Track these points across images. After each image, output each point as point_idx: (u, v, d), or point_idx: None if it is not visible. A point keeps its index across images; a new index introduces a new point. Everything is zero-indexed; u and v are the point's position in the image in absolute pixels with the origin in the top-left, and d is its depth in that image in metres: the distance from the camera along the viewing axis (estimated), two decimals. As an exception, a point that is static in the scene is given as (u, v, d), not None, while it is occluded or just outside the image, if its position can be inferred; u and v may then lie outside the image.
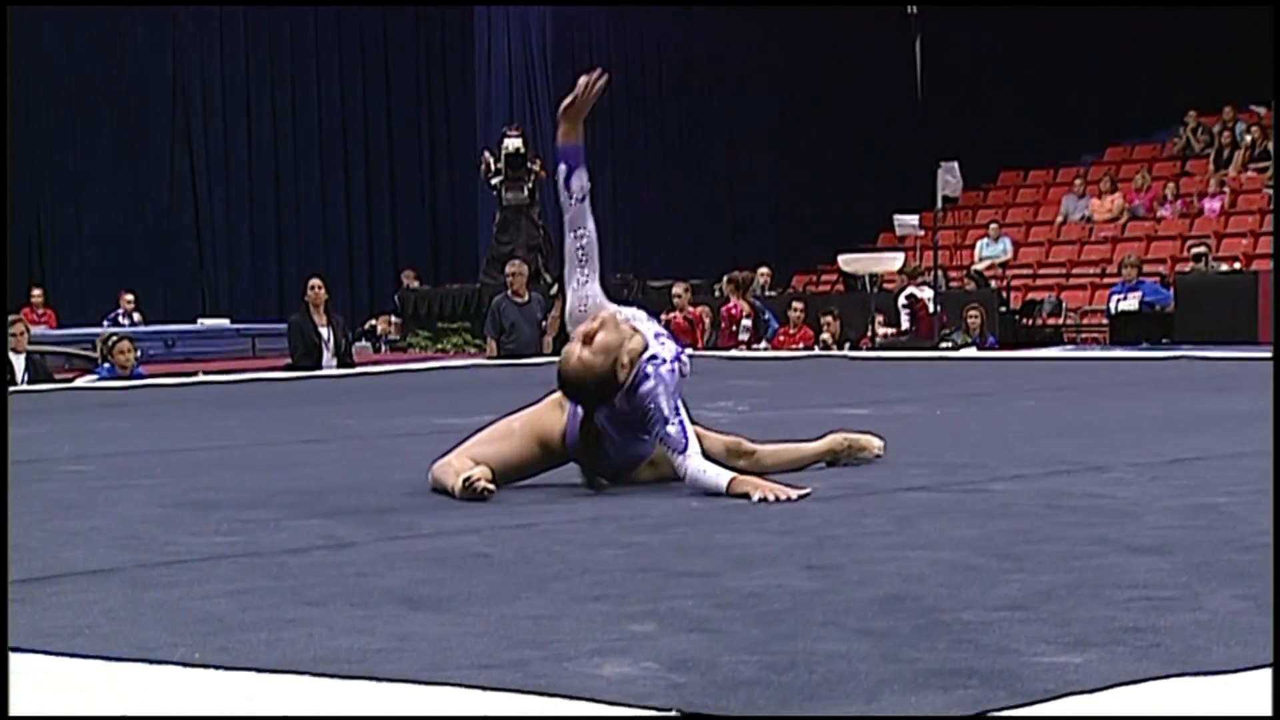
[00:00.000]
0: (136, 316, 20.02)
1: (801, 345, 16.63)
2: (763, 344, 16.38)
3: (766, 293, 18.72)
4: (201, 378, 12.38)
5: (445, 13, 23.69)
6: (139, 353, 13.18)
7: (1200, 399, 7.98)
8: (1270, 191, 18.69)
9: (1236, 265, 18.38)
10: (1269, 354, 11.98)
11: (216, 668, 2.44)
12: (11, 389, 10.91)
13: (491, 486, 4.41)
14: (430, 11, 23.98)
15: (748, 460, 4.73)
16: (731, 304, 16.83)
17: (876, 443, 5.05)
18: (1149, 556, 3.29)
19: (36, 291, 20.39)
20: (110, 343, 12.50)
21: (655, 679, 2.32)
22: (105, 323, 19.10)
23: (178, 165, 22.87)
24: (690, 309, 16.90)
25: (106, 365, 12.30)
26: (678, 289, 17.27)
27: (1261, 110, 22.42)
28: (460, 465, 4.54)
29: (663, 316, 16.26)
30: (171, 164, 22.84)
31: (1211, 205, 20.59)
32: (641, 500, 4.37)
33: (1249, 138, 21.41)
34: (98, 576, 3.35)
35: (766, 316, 16.84)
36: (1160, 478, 4.67)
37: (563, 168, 4.81)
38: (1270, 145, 21.03)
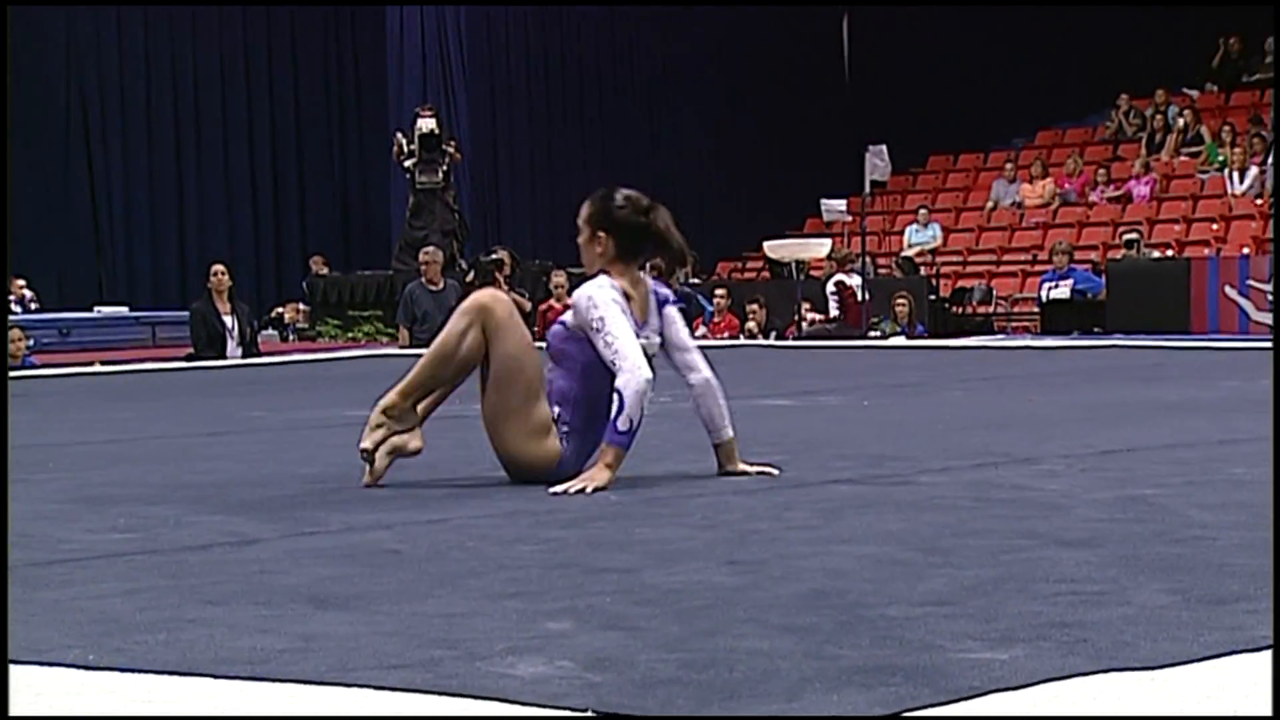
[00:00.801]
0: (33, 305, 19.74)
1: (726, 334, 16.69)
2: (700, 330, 16.35)
3: (690, 280, 18.75)
4: (98, 368, 12.25)
5: (356, 8, 23.54)
6: (31, 342, 13.03)
7: (1131, 389, 8.08)
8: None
9: (1169, 252, 18.61)
10: (1200, 343, 12.14)
11: (113, 669, 2.42)
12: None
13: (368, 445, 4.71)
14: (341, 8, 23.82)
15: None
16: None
17: (415, 444, 4.82)
18: (1078, 550, 3.33)
19: None
20: None
21: (571, 678, 2.32)
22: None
23: (73, 143, 22.56)
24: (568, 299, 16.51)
25: (-3, 355, 12.14)
26: (557, 277, 16.48)
27: (1194, 94, 22.69)
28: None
29: (541, 306, 16.19)
30: (67, 142, 22.53)
31: (1143, 190, 20.83)
32: (558, 496, 4.37)
33: (1181, 121, 21.67)
34: (-12, 576, 3.31)
35: (699, 300, 16.83)
36: (1090, 470, 4.73)
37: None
38: (1203, 129, 21.29)
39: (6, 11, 13.16)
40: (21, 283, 19.97)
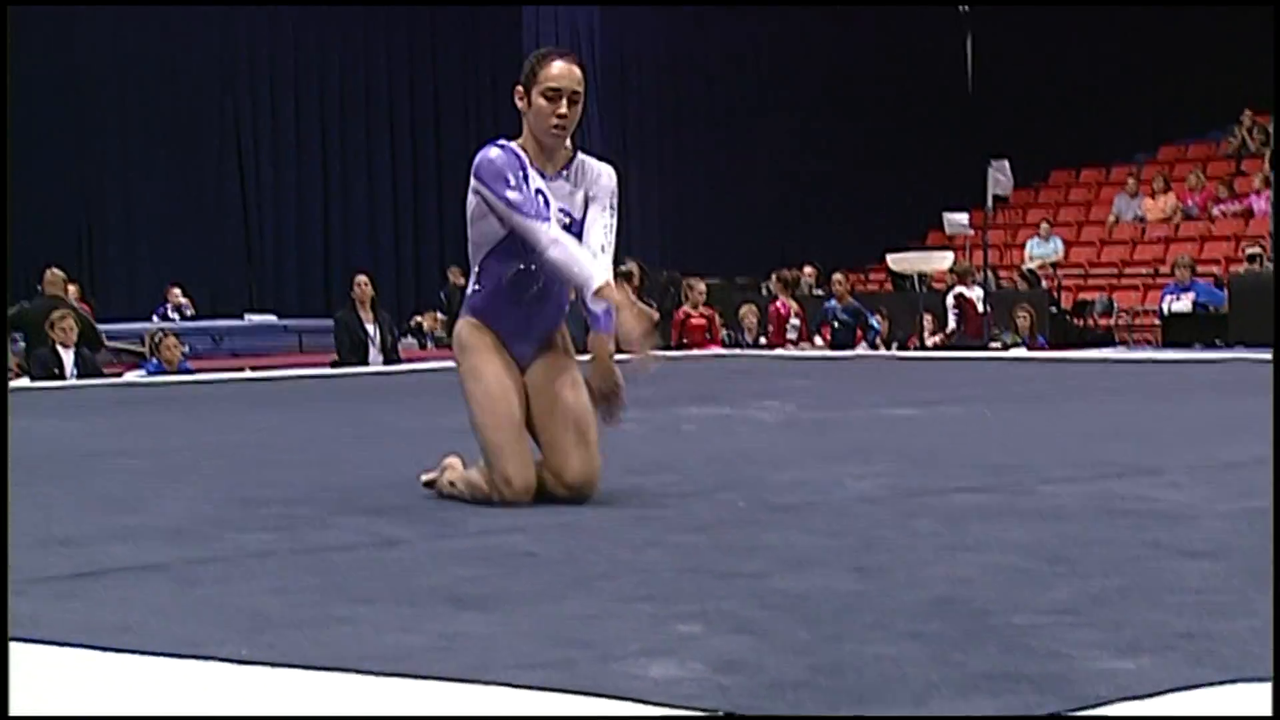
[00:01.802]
0: (189, 310, 20.10)
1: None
2: (861, 347, 16.08)
3: (814, 291, 18.67)
4: (248, 374, 12.45)
5: (495, 9, 23.74)
6: (186, 348, 13.27)
7: (1254, 401, 7.90)
8: None
9: (1291, 266, 18.21)
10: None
11: (264, 665, 2.45)
12: (60, 383, 11.00)
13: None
14: (479, 9, 24.04)
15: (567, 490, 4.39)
16: (779, 302, 16.79)
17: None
18: (1203, 561, 3.26)
19: (72, 288, 20.44)
20: (158, 339, 12.59)
21: (702, 680, 2.32)
22: (154, 317, 19.21)
23: (226, 160, 22.98)
24: (703, 308, 16.35)
25: (154, 361, 12.39)
26: (697, 285, 16.41)
27: (1317, 109, 22.21)
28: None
29: (677, 312, 16.16)
30: (220, 159, 22.95)
31: (1265, 205, 20.41)
32: (688, 500, 4.37)
33: (1305, 136, 21.21)
34: (146, 572, 3.37)
35: (866, 316, 16.60)
36: (1214, 482, 4.63)
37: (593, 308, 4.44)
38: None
39: (6, 11, 13.40)
40: (178, 291, 20.37)
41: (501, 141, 4.49)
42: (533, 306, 4.46)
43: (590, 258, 4.31)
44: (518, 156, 4.43)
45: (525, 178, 4.39)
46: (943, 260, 17.54)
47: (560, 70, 4.39)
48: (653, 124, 23.71)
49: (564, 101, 4.37)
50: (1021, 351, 15.34)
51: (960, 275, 17.27)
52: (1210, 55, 23.46)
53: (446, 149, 24.35)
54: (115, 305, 20.55)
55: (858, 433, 5.19)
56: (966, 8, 18.46)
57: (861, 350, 15.80)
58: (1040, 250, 20.91)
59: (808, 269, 19.68)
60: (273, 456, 5.97)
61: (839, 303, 16.65)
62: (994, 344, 15.96)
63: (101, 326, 13.87)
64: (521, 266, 4.41)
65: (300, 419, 8.12)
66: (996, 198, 17.70)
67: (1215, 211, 20.90)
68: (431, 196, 24.34)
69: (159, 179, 22.41)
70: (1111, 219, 21.84)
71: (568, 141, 4.49)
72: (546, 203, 4.38)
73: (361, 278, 14.26)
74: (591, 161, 4.53)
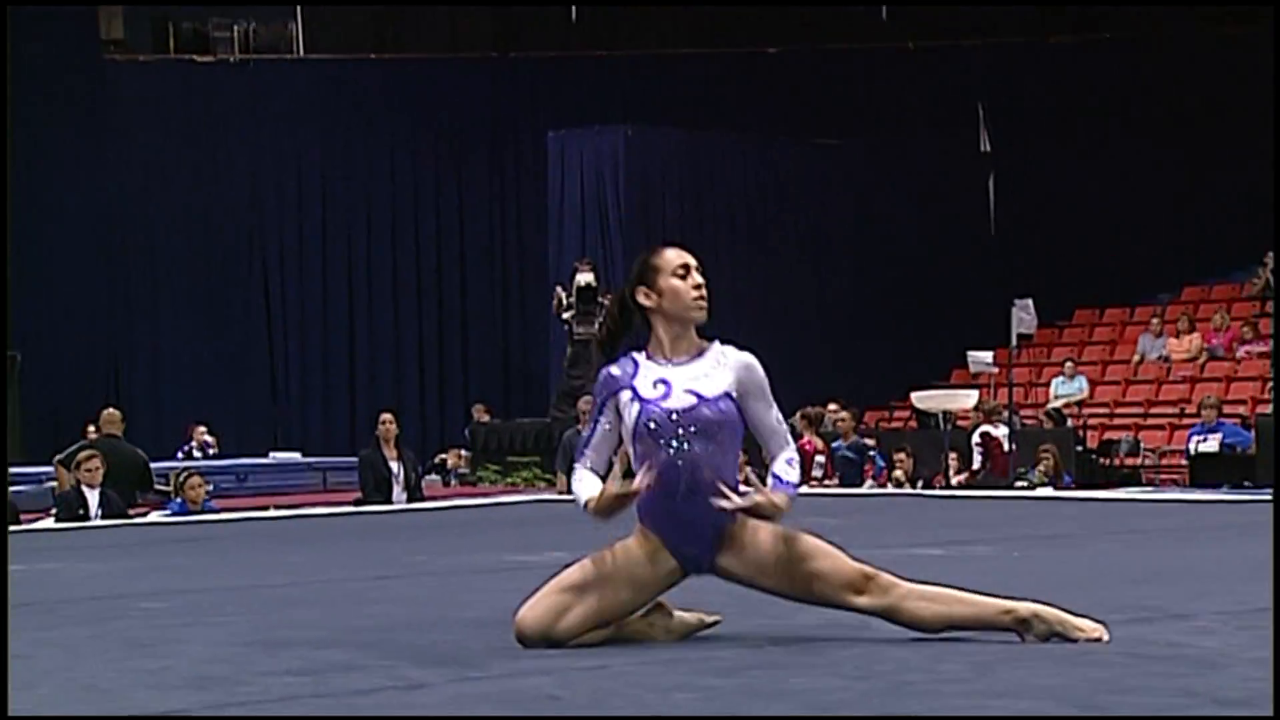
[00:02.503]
0: (212, 449, 20.15)
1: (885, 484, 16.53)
2: (869, 483, 16.18)
3: (833, 428, 18.63)
4: (272, 513, 12.45)
5: (519, 141, 24.02)
6: (211, 487, 13.28)
7: (1284, 544, 7.85)
8: None
9: (1319, 406, 18.16)
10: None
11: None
12: (85, 524, 11.01)
13: None
14: (504, 139, 24.33)
15: (881, 595, 4.30)
16: (804, 440, 16.77)
17: (1090, 626, 4.25)
18: (1237, 709, 3.23)
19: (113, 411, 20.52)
20: (182, 478, 12.61)
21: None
22: (179, 455, 19.27)
23: (253, 299, 23.21)
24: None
25: (178, 500, 12.40)
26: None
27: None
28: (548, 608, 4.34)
29: None
30: (247, 298, 23.18)
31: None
32: (714, 641, 4.34)
33: (1328, 277, 21.26)
34: None
35: (872, 454, 16.69)
36: (1247, 627, 4.58)
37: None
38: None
39: (6, 11, 13.54)
40: (203, 429, 20.44)
41: (632, 354, 4.50)
42: (689, 502, 4.34)
43: (580, 481, 4.42)
44: (626, 370, 4.43)
45: (633, 378, 4.40)
46: (967, 399, 17.54)
47: (677, 252, 4.47)
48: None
49: (695, 274, 4.42)
50: (1048, 491, 15.27)
51: (986, 414, 17.25)
52: (1234, 196, 23.62)
53: (472, 284, 24.57)
54: (139, 443, 20.60)
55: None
56: (989, 146, 18.68)
57: (870, 487, 15.77)
58: (1065, 389, 20.90)
59: (831, 406, 19.67)
60: (297, 597, 5.95)
61: (844, 440, 16.69)
62: (1020, 483, 15.90)
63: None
64: (665, 455, 4.32)
65: (324, 558, 8.10)
66: (1021, 336, 17.74)
67: (1240, 352, 20.89)
68: (456, 333, 24.50)
69: (186, 318, 22.64)
70: (1136, 358, 21.84)
71: (693, 333, 4.48)
72: (669, 387, 4.36)
73: (386, 415, 14.29)
74: (730, 351, 4.49)
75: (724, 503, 4.31)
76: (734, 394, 4.39)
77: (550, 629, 4.24)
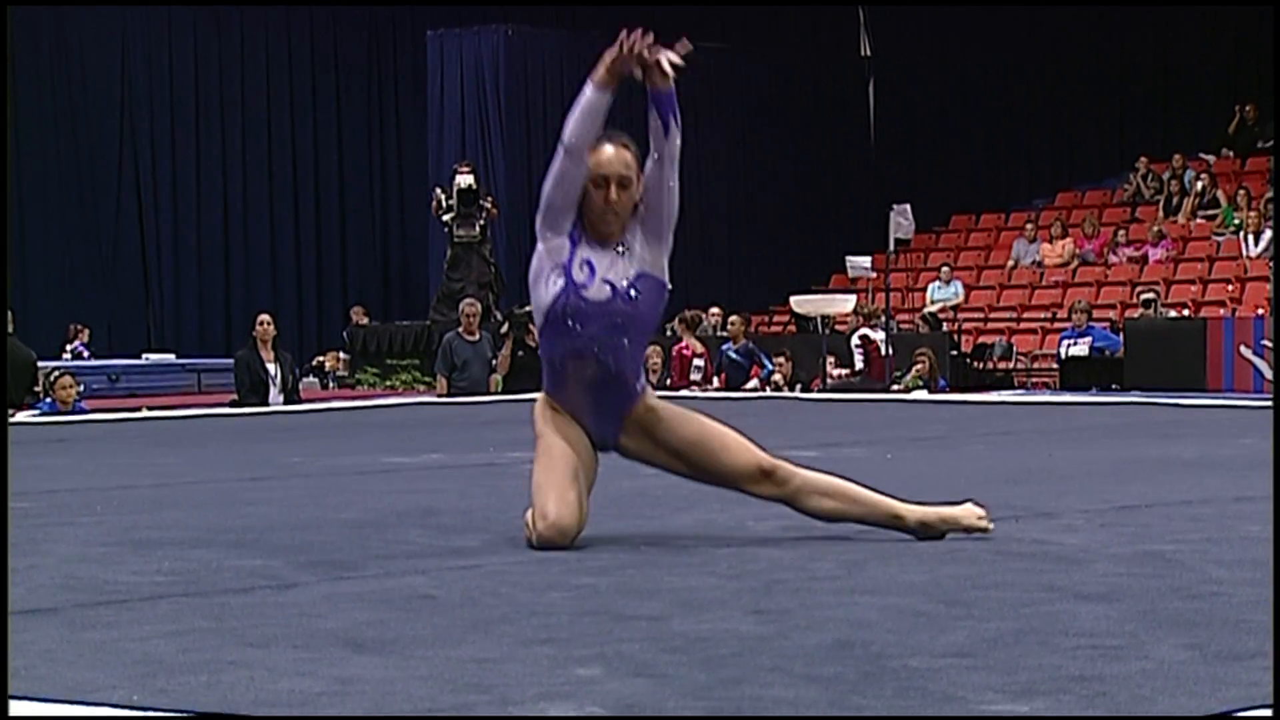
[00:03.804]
0: (84, 352, 19.89)
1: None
2: (753, 383, 16.29)
3: (717, 333, 18.74)
4: (145, 414, 12.29)
5: (397, 41, 23.67)
6: (82, 388, 13.08)
7: (1149, 445, 8.04)
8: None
9: (1185, 312, 18.54)
10: (1216, 401, 12.09)
11: (155, 710, 2.41)
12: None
13: None
14: (383, 39, 23.97)
15: (777, 487, 4.35)
16: (683, 344, 16.84)
17: (976, 512, 4.37)
18: (1097, 604, 3.30)
19: None
20: (52, 378, 12.41)
21: (600, 725, 2.31)
22: (65, 354, 18.97)
23: (124, 198, 22.76)
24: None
25: (48, 400, 12.20)
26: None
27: (1211, 158, 22.65)
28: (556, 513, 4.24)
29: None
30: (118, 197, 22.72)
31: (1159, 252, 20.78)
32: (589, 542, 4.36)
33: (1199, 185, 21.63)
34: (35, 616, 3.31)
35: (760, 356, 16.78)
36: (1109, 525, 4.69)
37: (667, 123, 4.52)
38: (1219, 193, 21.23)
39: (6, 11, 13.21)
40: (85, 329, 20.12)
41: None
42: (598, 391, 4.34)
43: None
44: (577, 230, 4.36)
45: (575, 242, 4.33)
46: (845, 303, 17.69)
47: (608, 156, 4.37)
48: (548, 155, 23.73)
49: (613, 188, 4.34)
50: (923, 394, 15.47)
51: (864, 318, 17.42)
52: (1106, 104, 23.90)
53: (350, 186, 24.29)
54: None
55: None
56: (869, 53, 18.70)
57: (753, 389, 15.89)
58: (941, 294, 21.14)
59: (713, 310, 19.77)
60: (168, 498, 5.90)
61: (733, 343, 16.79)
62: (895, 386, 16.10)
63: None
64: (573, 347, 4.30)
65: (197, 460, 8.02)
66: (898, 241, 17.89)
67: (1111, 258, 21.24)
68: (335, 234, 24.24)
69: (56, 219, 22.16)
70: (1010, 263, 22.13)
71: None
72: (592, 273, 4.31)
73: (264, 316, 14.15)
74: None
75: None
76: (642, 270, 4.35)
77: (581, 522, 4.24)
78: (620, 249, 4.38)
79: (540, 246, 4.39)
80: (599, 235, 4.38)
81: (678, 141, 4.47)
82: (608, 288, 4.33)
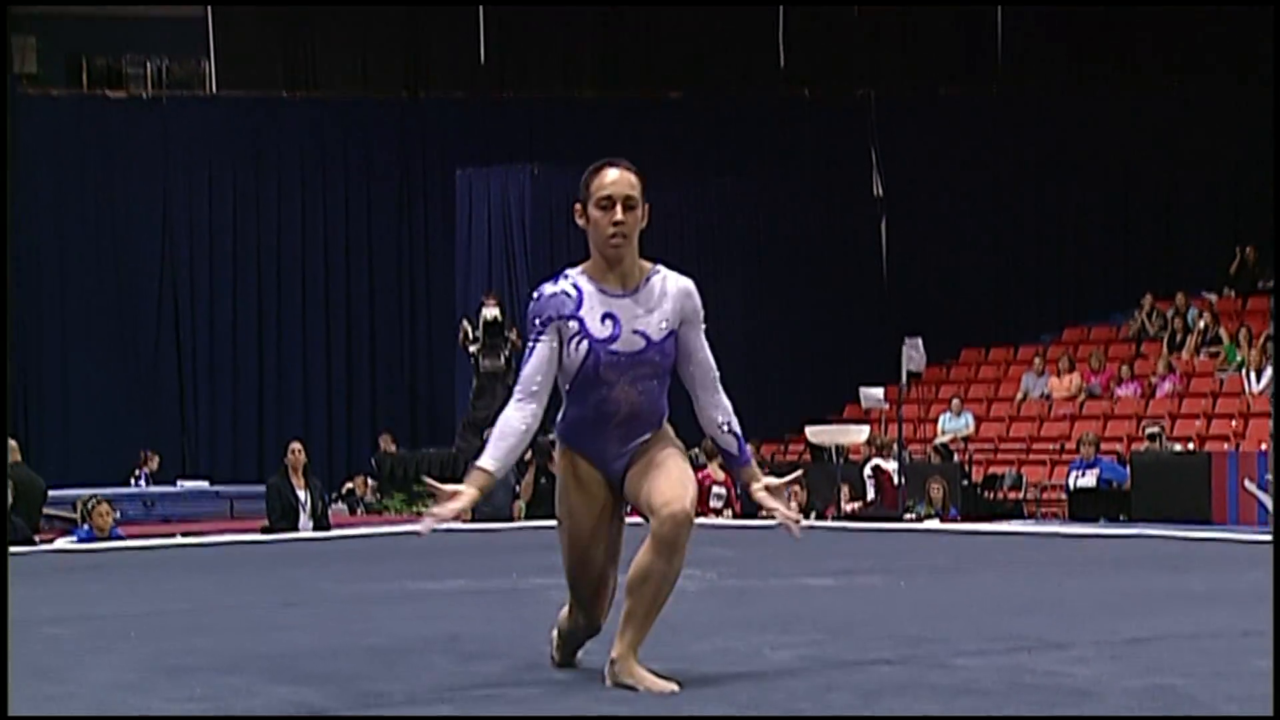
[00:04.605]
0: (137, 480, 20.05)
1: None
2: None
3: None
4: (179, 540, 12.27)
5: (428, 179, 23.94)
6: (118, 514, 13.07)
7: (1158, 577, 7.98)
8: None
9: (1190, 446, 18.47)
10: (1221, 534, 12.00)
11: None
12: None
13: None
14: (414, 177, 24.25)
15: (654, 525, 4.10)
16: (706, 470, 16.81)
17: (665, 687, 4.04)
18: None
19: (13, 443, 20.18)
20: (90, 505, 12.41)
21: None
22: (131, 481, 19.14)
23: (164, 330, 22.93)
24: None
25: (85, 527, 12.20)
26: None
27: (1213, 297, 22.69)
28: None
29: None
30: (158, 326, 22.90)
31: (1164, 387, 20.75)
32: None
33: (1201, 323, 21.66)
34: (70, 743, 3.29)
35: None
36: (1119, 657, 4.64)
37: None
38: (1221, 331, 21.25)
39: (5, 11, 13.34)
40: (156, 459, 20.26)
41: (566, 272, 4.23)
42: (622, 429, 4.21)
43: (493, 444, 4.16)
44: (571, 295, 4.15)
45: (579, 307, 4.13)
46: (859, 433, 17.67)
47: (612, 178, 4.17)
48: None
49: (619, 208, 4.14)
50: (935, 523, 15.40)
51: (877, 448, 17.38)
52: (1112, 242, 24.02)
53: (380, 316, 24.43)
54: (50, 471, 20.29)
55: (777, 602, 5.21)
56: (881, 193, 18.86)
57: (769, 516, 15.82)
58: (952, 425, 21.10)
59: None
60: (200, 623, 5.87)
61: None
62: (908, 515, 16.03)
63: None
64: (607, 391, 4.15)
65: (229, 585, 8.00)
66: (910, 374, 17.92)
67: (1117, 392, 21.22)
68: (364, 363, 24.34)
69: (97, 349, 22.33)
70: (1019, 396, 22.11)
71: (639, 258, 4.22)
72: (617, 325, 4.14)
73: (295, 445, 14.14)
74: (671, 278, 4.28)
75: (794, 529, 4.16)
76: (675, 328, 4.22)
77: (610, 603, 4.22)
78: (640, 305, 4.17)
79: (539, 347, 4.16)
80: (610, 269, 4.18)
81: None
82: (640, 339, 4.16)
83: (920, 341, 17.41)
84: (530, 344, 4.18)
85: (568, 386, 4.22)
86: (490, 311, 18.96)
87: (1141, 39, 24.19)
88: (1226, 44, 23.68)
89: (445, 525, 4.17)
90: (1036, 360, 22.56)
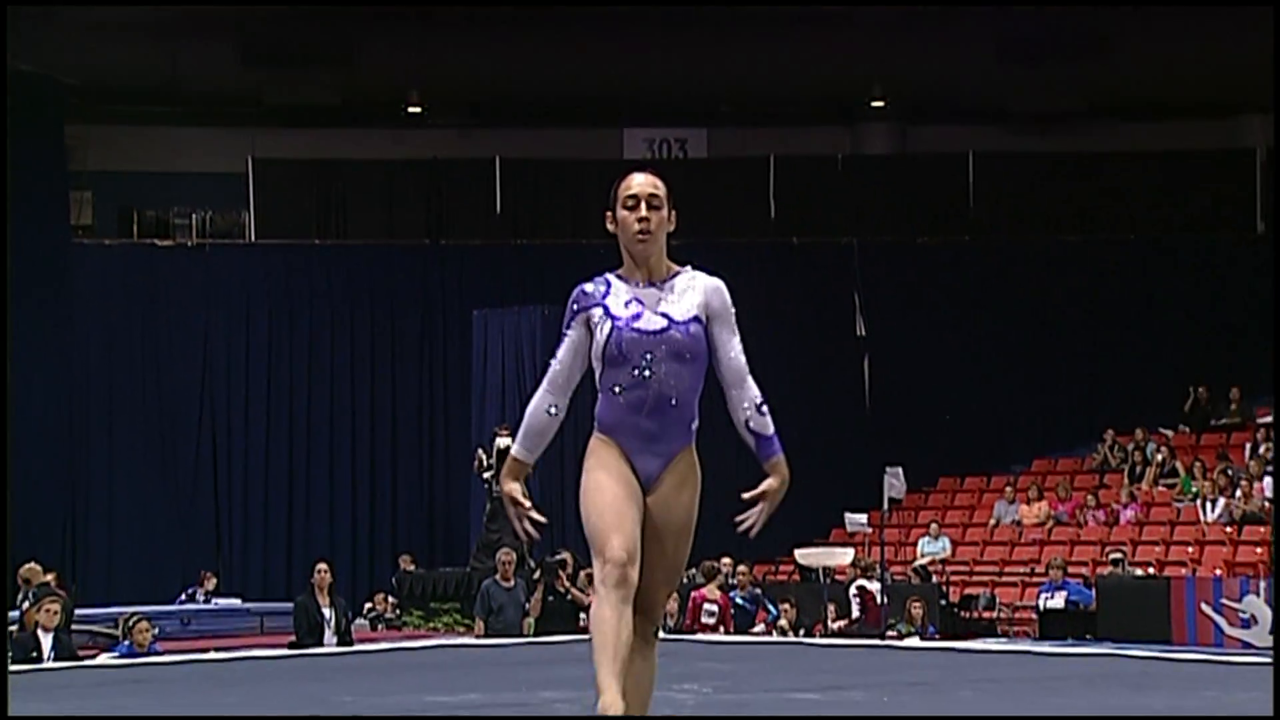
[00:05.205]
0: (201, 595, 20.01)
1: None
2: (760, 627, 16.22)
3: (729, 580, 18.60)
4: (212, 655, 12.20)
5: (446, 319, 24.10)
6: (156, 630, 13.01)
7: (1122, 695, 7.92)
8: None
9: (1150, 570, 18.40)
10: (1181, 654, 11.92)
11: None
12: (37, 666, 10.74)
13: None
14: (433, 317, 24.42)
15: (640, 625, 4.10)
16: (701, 590, 16.71)
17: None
18: None
19: (50, 576, 19.86)
20: (130, 622, 12.35)
21: None
22: (183, 597, 19.12)
23: (202, 461, 23.01)
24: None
25: (126, 643, 12.13)
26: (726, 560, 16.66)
27: (1169, 433, 22.74)
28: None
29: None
30: (196, 456, 22.95)
31: (1127, 514, 20.72)
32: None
33: (1159, 456, 21.70)
34: None
35: (766, 602, 16.74)
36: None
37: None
38: (1178, 464, 21.25)
39: (5, 11, 13.36)
40: (213, 580, 20.26)
41: (604, 274, 4.23)
42: (653, 419, 4.12)
43: (533, 416, 4.17)
44: (600, 289, 4.15)
45: (605, 296, 4.11)
46: (845, 556, 17.62)
47: (638, 180, 4.18)
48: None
49: (643, 206, 4.12)
50: (915, 640, 15.29)
51: (862, 569, 17.32)
52: (1077, 381, 24.11)
53: (402, 446, 24.45)
54: (94, 590, 20.24)
55: (766, 717, 5.16)
56: (863, 333, 18.96)
57: (760, 633, 15.75)
58: (930, 548, 21.03)
59: (724, 560, 19.64)
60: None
61: (741, 590, 16.73)
62: (891, 633, 15.92)
63: (79, 611, 13.64)
64: (634, 372, 4.07)
65: (257, 698, 7.94)
66: (892, 500, 17.91)
67: (1083, 519, 21.17)
68: (386, 489, 24.33)
69: (141, 478, 22.38)
70: (992, 522, 22.05)
71: (666, 260, 4.17)
72: (641, 307, 4.09)
73: (322, 565, 14.12)
74: (701, 276, 4.25)
75: (748, 523, 4.19)
76: (702, 317, 4.16)
77: (637, 545, 4.06)
78: (679, 285, 4.14)
79: (568, 339, 4.17)
80: (638, 266, 4.16)
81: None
82: (663, 319, 4.12)
83: (901, 470, 17.42)
84: (562, 336, 4.22)
85: (600, 372, 4.15)
86: (503, 441, 18.97)
87: (1106, 195, 24.60)
88: (1177, 202, 24.10)
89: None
90: (1008, 489, 22.54)
